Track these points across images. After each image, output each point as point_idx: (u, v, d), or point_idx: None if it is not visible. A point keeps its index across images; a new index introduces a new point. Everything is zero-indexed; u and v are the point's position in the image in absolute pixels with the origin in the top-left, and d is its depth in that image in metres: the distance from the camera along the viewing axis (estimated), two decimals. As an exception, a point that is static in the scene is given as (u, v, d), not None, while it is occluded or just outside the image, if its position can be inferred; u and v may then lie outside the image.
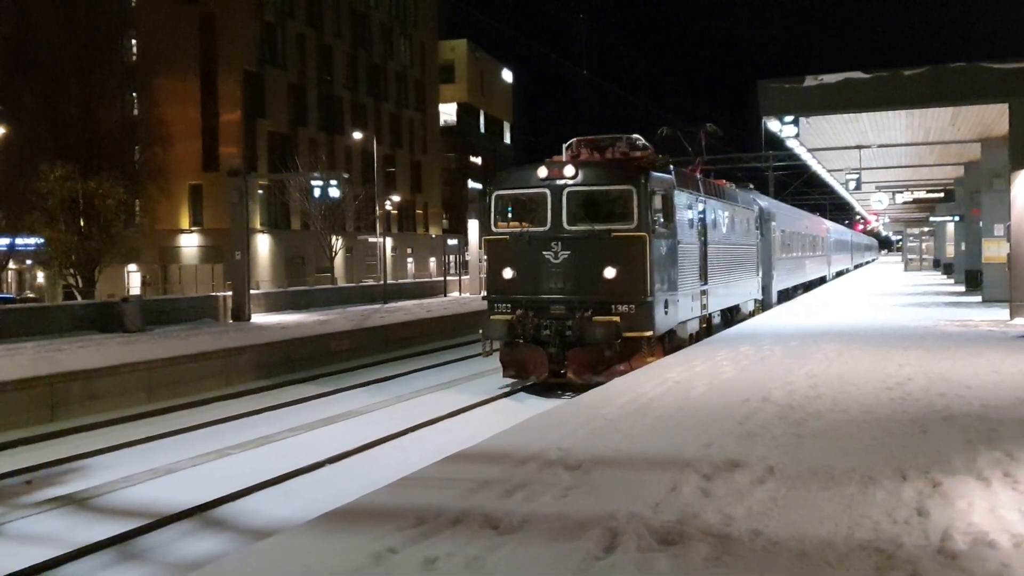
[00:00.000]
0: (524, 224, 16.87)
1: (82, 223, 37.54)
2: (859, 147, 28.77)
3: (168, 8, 53.17)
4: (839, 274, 58.04)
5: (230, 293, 33.04)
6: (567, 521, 5.82)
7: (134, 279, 54.41)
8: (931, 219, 52.91)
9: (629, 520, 5.75)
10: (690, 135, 23.01)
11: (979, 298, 27.28)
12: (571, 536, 5.53)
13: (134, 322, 27.21)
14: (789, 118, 22.89)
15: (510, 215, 17.41)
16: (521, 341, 16.53)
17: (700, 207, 19.45)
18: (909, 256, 71.12)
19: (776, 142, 32.00)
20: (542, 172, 16.58)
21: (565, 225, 16.36)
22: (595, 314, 15.93)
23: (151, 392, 18.39)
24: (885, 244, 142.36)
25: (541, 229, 16.54)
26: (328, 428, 15.14)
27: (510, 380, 17.67)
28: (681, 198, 17.78)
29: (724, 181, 24.03)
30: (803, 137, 25.77)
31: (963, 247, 36.71)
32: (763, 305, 27.17)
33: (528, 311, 16.47)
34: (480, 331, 17.40)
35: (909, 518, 5.83)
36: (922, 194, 40.66)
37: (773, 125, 23.58)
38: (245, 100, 55.06)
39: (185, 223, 56.15)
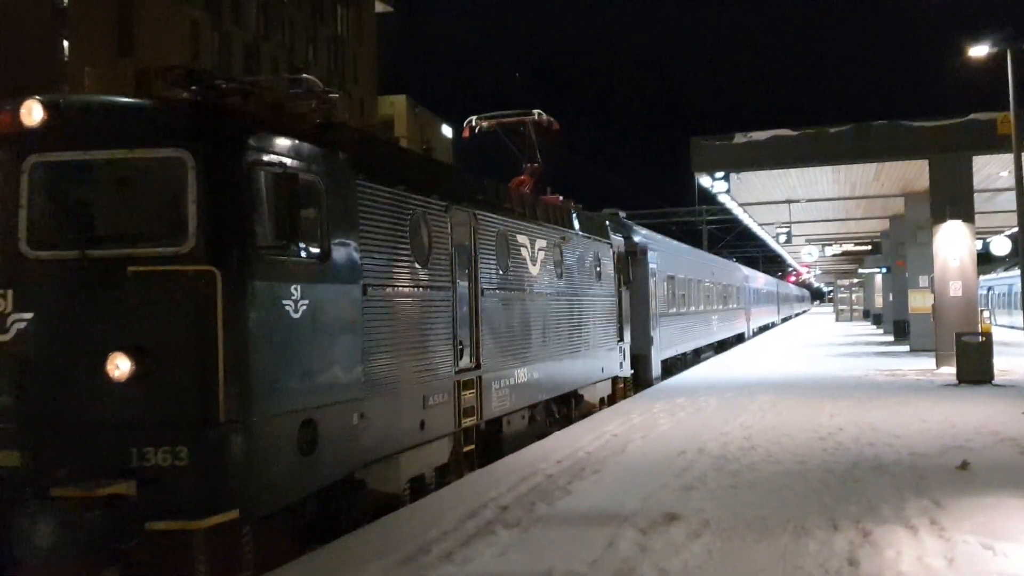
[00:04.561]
0: None
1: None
2: (788, 201, 29.65)
3: (102, 63, 52.69)
4: (763, 329, 51.20)
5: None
6: (504, 580, 5.78)
7: None
8: (860, 271, 54.44)
9: (566, 578, 5.73)
10: (515, 131, 15.95)
11: (907, 347, 28.03)
12: (508, 596, 5.48)
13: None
14: (720, 174, 23.62)
15: None
16: None
17: (457, 228, 10.19)
18: (840, 307, 72.86)
19: (709, 197, 32.81)
20: None
21: (24, 246, 6.71)
22: (74, 474, 6.30)
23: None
24: (817, 295, 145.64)
25: None
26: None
27: None
28: (381, 203, 8.54)
29: (560, 197, 15.61)
30: (734, 192, 26.51)
31: (891, 298, 37.80)
32: (635, 382, 18.99)
33: None
34: None
35: (840, 568, 5.92)
36: (850, 246, 41.93)
37: (705, 181, 24.28)
38: (181, 155, 54.50)
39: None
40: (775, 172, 24.04)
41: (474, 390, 10.32)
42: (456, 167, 12.19)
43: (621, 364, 17.42)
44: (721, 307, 34.14)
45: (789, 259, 68.57)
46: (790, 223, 33.52)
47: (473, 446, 10.44)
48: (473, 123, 15.51)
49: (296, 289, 7.02)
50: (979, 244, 30.52)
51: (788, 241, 36.49)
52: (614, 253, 17.23)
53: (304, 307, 7.07)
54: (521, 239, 12.26)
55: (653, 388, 19.26)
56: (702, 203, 53.52)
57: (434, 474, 9.50)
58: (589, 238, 15.68)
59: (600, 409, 15.64)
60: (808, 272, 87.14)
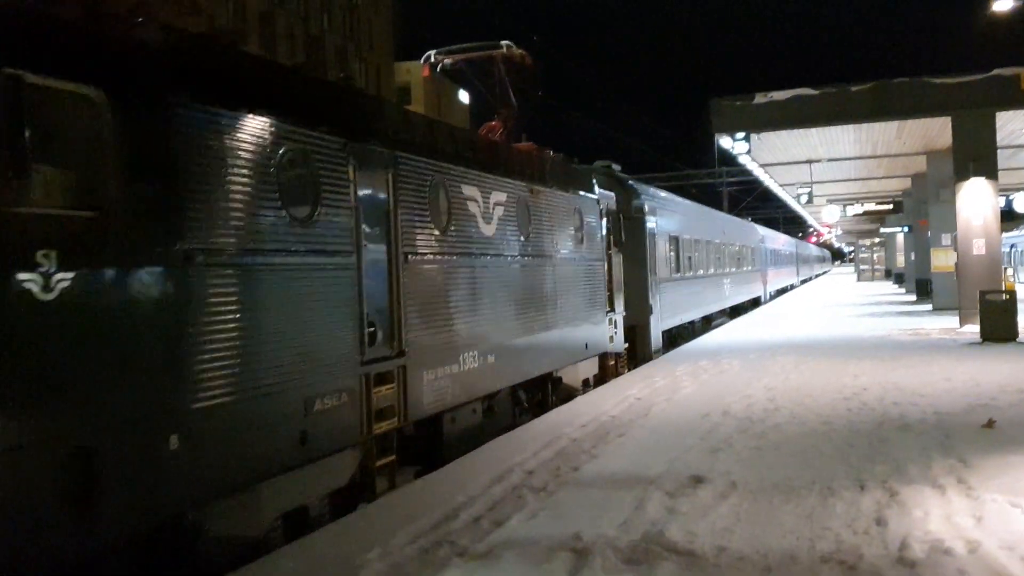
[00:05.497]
0: None
1: None
2: (810, 161, 29.36)
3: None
4: (781, 292, 49.19)
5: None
6: (534, 545, 5.84)
7: None
8: (882, 230, 54.00)
9: (595, 541, 5.79)
10: (483, 69, 13.74)
11: (930, 306, 27.88)
12: (538, 560, 5.55)
13: None
14: (741, 134, 23.34)
15: None
16: None
17: (364, 174, 7.72)
18: (861, 267, 72.42)
19: (729, 158, 32.53)
20: None
21: None
22: None
23: None
24: (838, 255, 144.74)
25: None
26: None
27: None
28: (225, 136, 6.08)
29: (533, 144, 13.38)
30: (755, 153, 26.23)
31: (913, 257, 37.50)
32: (632, 356, 17.10)
33: None
34: None
35: (868, 528, 5.95)
36: (872, 206, 41.53)
37: (725, 142, 24.03)
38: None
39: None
40: (796, 132, 23.77)
41: (394, 384, 7.91)
42: (368, 93, 8.66)
43: (612, 338, 15.16)
44: (734, 269, 32.06)
45: (810, 220, 68.06)
46: (811, 183, 33.20)
47: (394, 457, 7.96)
48: (432, 59, 13.37)
49: (48, 257, 4.69)
50: (1002, 201, 30.14)
51: (809, 202, 36.15)
52: (602, 211, 14.83)
53: (65, 284, 4.77)
54: (469, 191, 9.78)
55: (675, 351, 19.22)
56: (722, 165, 53.24)
57: (326, 503, 7.09)
58: (568, 193, 13.19)
59: (584, 392, 13.64)
60: (829, 232, 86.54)
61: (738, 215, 49.39)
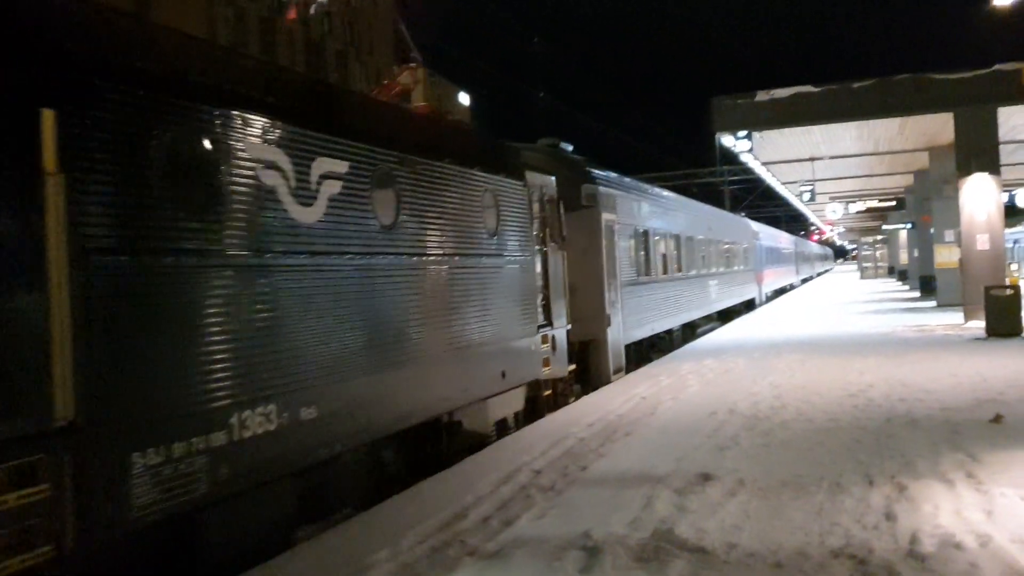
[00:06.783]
0: None
1: None
2: (812, 159, 29.35)
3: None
4: (779, 293, 46.64)
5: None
6: (544, 543, 5.84)
7: None
8: (884, 227, 53.99)
9: (605, 539, 5.79)
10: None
11: (934, 303, 27.84)
12: (549, 558, 5.55)
13: None
14: (742, 133, 23.37)
15: None
16: None
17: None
18: (864, 264, 72.40)
19: (731, 157, 32.50)
20: None
21: None
22: None
23: None
24: (840, 253, 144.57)
25: None
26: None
27: None
28: None
29: (430, 106, 10.64)
30: (757, 151, 26.26)
31: (916, 254, 37.48)
32: (585, 381, 14.06)
33: None
34: None
35: (878, 523, 5.94)
36: (875, 203, 41.51)
37: (727, 140, 24.04)
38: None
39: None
40: (798, 129, 23.77)
41: (48, 484, 4.46)
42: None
43: (548, 360, 11.72)
44: (723, 269, 28.49)
45: (812, 217, 68.02)
46: (813, 181, 33.19)
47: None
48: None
49: None
50: (1005, 196, 30.09)
51: (812, 199, 36.11)
52: (534, 198, 11.60)
53: None
54: (263, 153, 6.24)
55: (680, 350, 19.16)
56: (724, 163, 53.23)
57: None
58: (473, 170, 9.70)
59: (494, 440, 10.07)
60: (832, 230, 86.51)
61: (738, 214, 49.16)
